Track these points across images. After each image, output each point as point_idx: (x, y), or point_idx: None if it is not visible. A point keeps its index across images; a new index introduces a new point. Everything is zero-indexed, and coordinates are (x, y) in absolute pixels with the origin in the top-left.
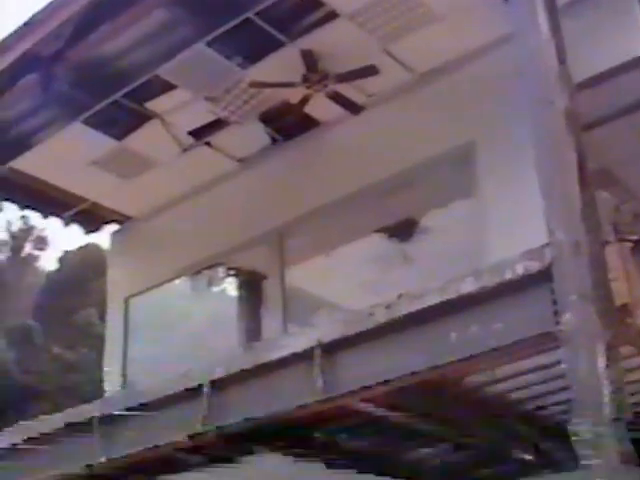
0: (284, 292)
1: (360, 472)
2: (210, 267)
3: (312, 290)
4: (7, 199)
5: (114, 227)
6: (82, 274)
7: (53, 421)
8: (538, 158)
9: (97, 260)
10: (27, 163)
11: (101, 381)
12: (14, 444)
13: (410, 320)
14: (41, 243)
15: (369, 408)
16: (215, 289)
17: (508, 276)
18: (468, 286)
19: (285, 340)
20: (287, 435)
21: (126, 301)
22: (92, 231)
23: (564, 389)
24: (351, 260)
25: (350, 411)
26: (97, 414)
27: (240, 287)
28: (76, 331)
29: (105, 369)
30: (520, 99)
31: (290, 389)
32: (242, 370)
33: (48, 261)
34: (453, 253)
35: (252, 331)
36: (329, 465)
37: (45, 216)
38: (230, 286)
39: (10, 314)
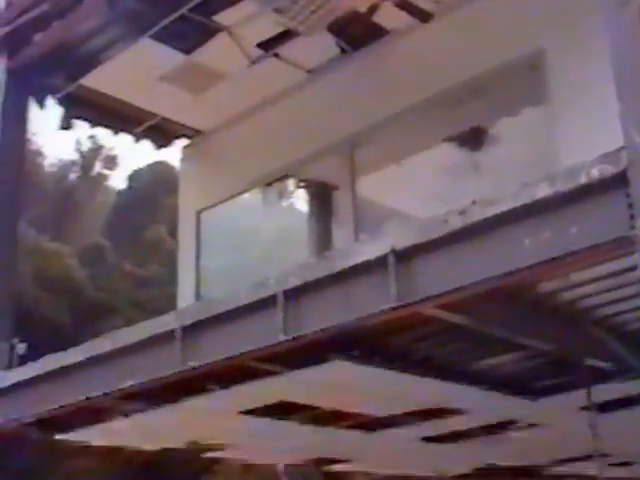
0: (355, 203)
1: (435, 379)
2: (280, 179)
3: (383, 201)
4: (78, 117)
5: (184, 142)
6: (152, 192)
7: (132, 333)
8: (613, 61)
9: (167, 177)
10: (97, 80)
11: (173, 296)
12: (94, 356)
13: (484, 226)
14: (110, 162)
15: (443, 315)
16: (285, 203)
17: (583, 180)
18: (542, 191)
19: (358, 248)
20: (363, 343)
21: (197, 215)
22: (162, 146)
23: (639, 295)
24: (422, 170)
25: (424, 318)
26: (175, 325)
27: (310, 199)
28: (147, 248)
29: (178, 283)
30: (592, 2)
31: (364, 297)
32: (316, 279)
33: (118, 180)
34: (524, 162)
35: (323, 243)
36: (404, 372)
37: (115, 132)
38: (300, 200)
39: (82, 233)
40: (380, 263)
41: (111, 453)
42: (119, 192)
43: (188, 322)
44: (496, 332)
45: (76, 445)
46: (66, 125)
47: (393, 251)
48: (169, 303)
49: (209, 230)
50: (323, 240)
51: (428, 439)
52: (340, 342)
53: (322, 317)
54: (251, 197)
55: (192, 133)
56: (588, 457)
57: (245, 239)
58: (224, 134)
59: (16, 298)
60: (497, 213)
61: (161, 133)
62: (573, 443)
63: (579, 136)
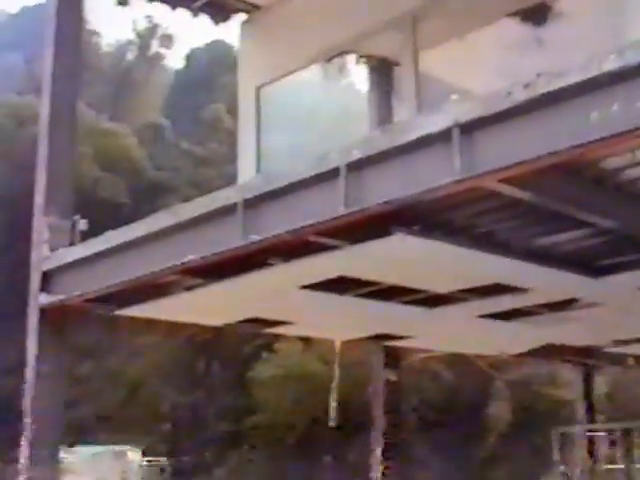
0: (417, 79)
1: (497, 255)
2: (340, 55)
3: (445, 77)
4: None
5: (243, 17)
6: (209, 71)
7: (193, 207)
8: None
9: (224, 56)
10: None
11: (232, 176)
12: (156, 231)
13: (549, 99)
14: (167, 41)
15: (506, 189)
16: (345, 81)
17: None
18: (610, 63)
19: (421, 121)
20: (425, 217)
21: (257, 91)
22: (221, 21)
23: None
24: (485, 45)
25: (487, 192)
26: (236, 199)
27: (371, 76)
28: (205, 127)
29: (238, 162)
30: None
31: (427, 170)
32: (379, 152)
33: (175, 59)
34: (589, 38)
35: (384, 121)
36: (466, 247)
37: (173, 8)
38: (360, 79)
39: (140, 113)
40: (443, 136)
41: (173, 330)
42: (177, 71)
43: (249, 195)
44: (559, 208)
45: (139, 322)
46: (123, 0)
47: (457, 124)
48: (228, 183)
49: (269, 108)
50: (384, 118)
51: (488, 316)
52: (402, 216)
53: (384, 190)
54: (311, 76)
55: (250, 8)
56: None
57: (306, 118)
58: (283, 8)
59: (76, 179)
60: (563, 86)
61: (219, 8)
62: (634, 323)
63: None
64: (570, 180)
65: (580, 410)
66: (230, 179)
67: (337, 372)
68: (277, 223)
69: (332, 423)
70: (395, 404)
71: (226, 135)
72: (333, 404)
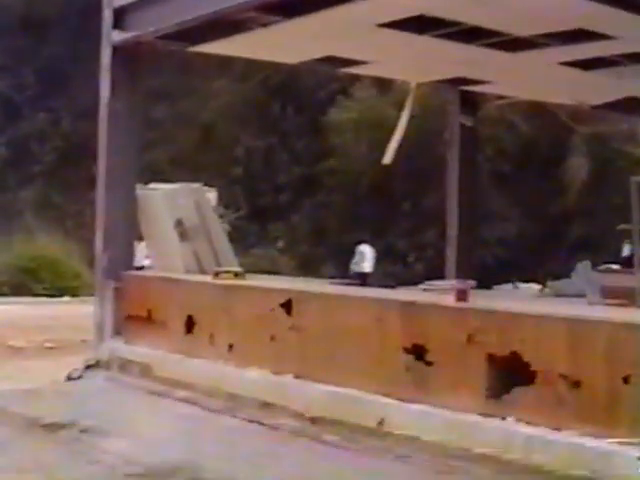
0: None
1: None
2: None
3: None
4: None
5: None
6: None
7: None
8: None
9: None
10: None
11: None
12: None
13: None
14: None
15: None
16: None
17: None
18: None
19: None
20: None
21: None
22: None
23: None
24: None
25: None
26: None
27: None
28: None
29: None
30: None
31: None
32: None
33: None
34: None
35: None
36: None
37: None
38: None
39: None
40: None
41: (248, 72)
42: None
43: None
44: None
45: (213, 63)
46: None
47: None
48: None
49: None
50: None
51: (569, 64)
52: None
53: None
54: None
55: None
56: None
57: None
58: None
59: None
60: None
61: None
62: None
63: None
64: None
65: None
66: None
67: (407, 113)
68: None
69: (387, 160)
70: (471, 152)
71: None
72: (394, 143)
